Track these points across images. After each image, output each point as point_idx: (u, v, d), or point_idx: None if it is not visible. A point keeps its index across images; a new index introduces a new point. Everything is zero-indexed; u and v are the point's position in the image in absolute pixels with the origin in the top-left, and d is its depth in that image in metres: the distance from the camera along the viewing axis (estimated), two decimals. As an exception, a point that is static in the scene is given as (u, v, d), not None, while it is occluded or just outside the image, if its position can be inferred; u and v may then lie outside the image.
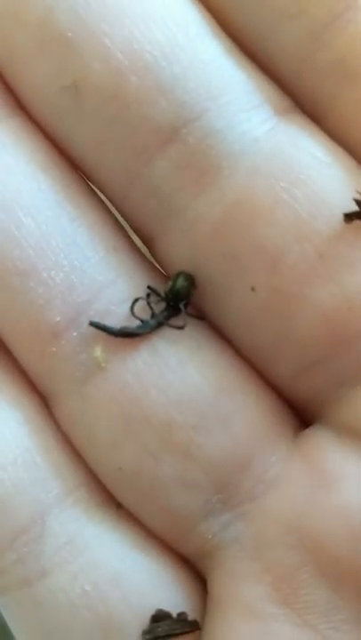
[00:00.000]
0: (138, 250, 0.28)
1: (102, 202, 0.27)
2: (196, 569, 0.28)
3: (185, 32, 0.25)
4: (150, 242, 0.27)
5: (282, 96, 0.26)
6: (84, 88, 0.25)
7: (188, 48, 0.25)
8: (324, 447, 0.26)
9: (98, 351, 0.27)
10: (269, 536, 0.26)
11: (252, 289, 0.25)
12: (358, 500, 0.26)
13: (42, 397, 0.28)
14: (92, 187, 0.27)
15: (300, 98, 0.26)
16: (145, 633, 0.27)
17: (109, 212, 0.27)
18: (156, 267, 0.28)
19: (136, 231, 0.27)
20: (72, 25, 0.25)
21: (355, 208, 0.25)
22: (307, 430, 0.27)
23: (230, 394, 0.27)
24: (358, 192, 0.25)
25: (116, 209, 0.27)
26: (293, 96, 0.26)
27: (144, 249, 0.28)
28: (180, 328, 0.26)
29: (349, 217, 0.25)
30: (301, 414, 0.28)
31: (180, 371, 0.26)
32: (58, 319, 0.26)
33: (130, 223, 0.27)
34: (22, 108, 0.27)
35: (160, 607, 0.27)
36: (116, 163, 0.26)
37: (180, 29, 0.25)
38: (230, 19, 0.26)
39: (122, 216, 0.27)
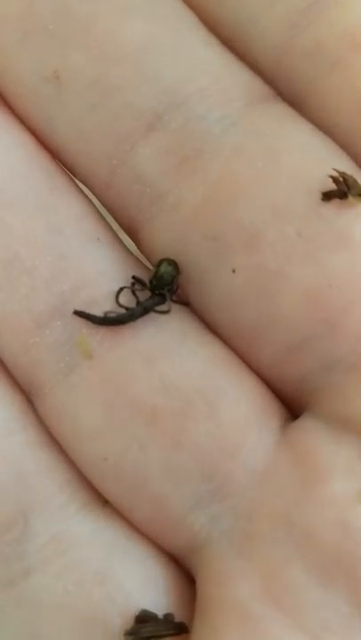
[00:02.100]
0: (121, 242, 0.28)
1: (84, 194, 0.28)
2: (185, 569, 0.28)
3: (165, 21, 0.26)
4: (135, 231, 0.28)
5: (261, 84, 0.27)
6: (65, 78, 0.26)
7: (169, 37, 0.26)
8: (313, 438, 0.26)
9: (82, 340, 0.27)
10: (258, 530, 0.26)
11: (233, 271, 0.26)
12: (347, 491, 0.26)
13: (25, 394, 0.28)
14: (75, 179, 0.28)
15: (280, 85, 0.27)
16: (128, 633, 0.26)
17: (92, 203, 0.28)
18: (139, 259, 0.28)
19: (120, 221, 0.28)
20: (53, 16, 0.26)
21: (333, 186, 0.25)
22: (296, 421, 0.27)
23: (216, 381, 0.27)
24: (335, 170, 0.25)
25: (99, 199, 0.28)
26: (274, 84, 0.27)
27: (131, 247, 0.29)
28: (165, 312, 0.27)
29: (327, 195, 0.25)
30: (291, 405, 0.28)
31: (165, 358, 0.27)
32: (42, 308, 0.27)
33: (113, 213, 0.28)
34: (4, 100, 0.28)
35: (146, 608, 0.27)
36: (99, 151, 0.27)
37: (159, 19, 0.26)
38: (208, 10, 0.27)
39: (105, 206, 0.28)
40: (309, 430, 0.26)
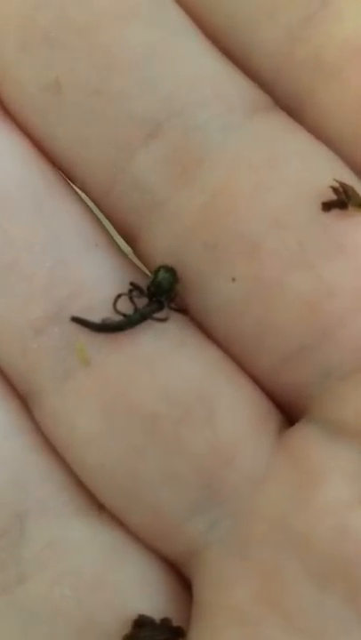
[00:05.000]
0: (119, 248, 0.29)
1: (83, 200, 0.29)
2: (181, 574, 0.29)
3: (165, 30, 0.27)
4: (133, 238, 0.29)
5: (260, 93, 0.28)
6: (65, 85, 0.27)
7: (170, 46, 0.27)
8: (310, 443, 0.27)
9: (80, 347, 0.28)
10: (256, 535, 0.27)
11: (233, 279, 0.27)
12: (344, 495, 0.26)
13: (21, 399, 0.29)
14: (73, 185, 0.29)
15: (278, 95, 0.28)
16: (126, 639, 0.27)
17: (90, 209, 0.29)
18: (137, 265, 0.29)
19: (118, 229, 0.29)
20: (54, 24, 0.27)
21: (333, 196, 0.26)
22: (293, 427, 0.28)
23: (214, 387, 0.28)
24: (336, 180, 0.26)
25: (98, 206, 0.29)
26: (273, 93, 0.28)
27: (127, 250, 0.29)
28: (163, 320, 0.27)
29: (327, 205, 0.26)
30: (288, 411, 0.29)
31: (163, 365, 0.27)
32: (39, 314, 0.28)
33: (112, 220, 0.29)
34: (4, 107, 0.28)
35: (143, 613, 0.27)
36: (98, 158, 0.28)
37: (160, 27, 0.27)
38: (208, 19, 0.28)
39: (103, 213, 0.29)
40: (306, 436, 0.27)
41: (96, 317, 0.28)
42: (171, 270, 0.28)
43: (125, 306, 0.28)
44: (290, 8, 0.27)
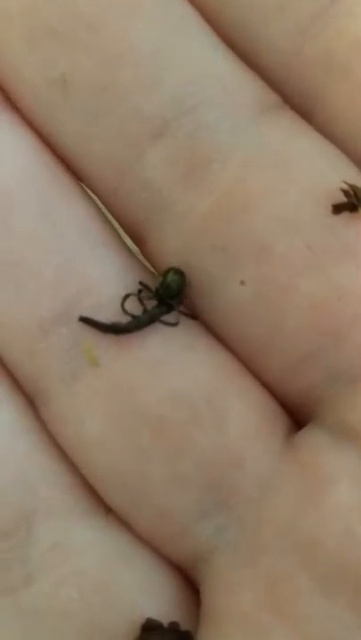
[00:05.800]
0: (127, 247, 0.29)
1: (90, 198, 0.29)
2: (189, 577, 0.29)
3: (175, 27, 0.27)
4: (141, 239, 0.29)
5: (270, 92, 0.28)
6: (73, 81, 0.27)
7: (179, 43, 0.27)
8: (318, 448, 0.27)
9: (88, 347, 0.28)
10: (264, 540, 0.27)
11: (242, 282, 0.26)
12: (352, 501, 0.26)
13: (28, 398, 0.29)
14: (80, 183, 0.29)
15: (289, 93, 0.28)
16: (135, 643, 0.27)
17: (98, 208, 0.29)
18: (145, 265, 0.29)
19: (126, 228, 0.29)
20: (61, 18, 0.27)
21: (343, 199, 0.26)
22: (301, 431, 0.28)
23: (223, 391, 0.28)
24: (346, 183, 0.26)
25: (105, 205, 0.29)
26: (282, 92, 0.28)
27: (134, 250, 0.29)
28: (173, 325, 0.27)
29: (338, 208, 0.26)
30: (296, 415, 0.29)
31: (172, 367, 0.27)
32: (47, 314, 0.27)
33: (119, 220, 0.29)
34: (11, 102, 0.28)
35: (151, 616, 0.28)
36: (106, 156, 0.27)
37: (170, 24, 0.27)
38: (218, 16, 0.28)
39: (111, 213, 0.29)
40: (314, 440, 0.27)
41: (104, 316, 0.28)
42: (180, 272, 0.27)
43: (134, 306, 0.28)
44: (300, 5, 0.27)
